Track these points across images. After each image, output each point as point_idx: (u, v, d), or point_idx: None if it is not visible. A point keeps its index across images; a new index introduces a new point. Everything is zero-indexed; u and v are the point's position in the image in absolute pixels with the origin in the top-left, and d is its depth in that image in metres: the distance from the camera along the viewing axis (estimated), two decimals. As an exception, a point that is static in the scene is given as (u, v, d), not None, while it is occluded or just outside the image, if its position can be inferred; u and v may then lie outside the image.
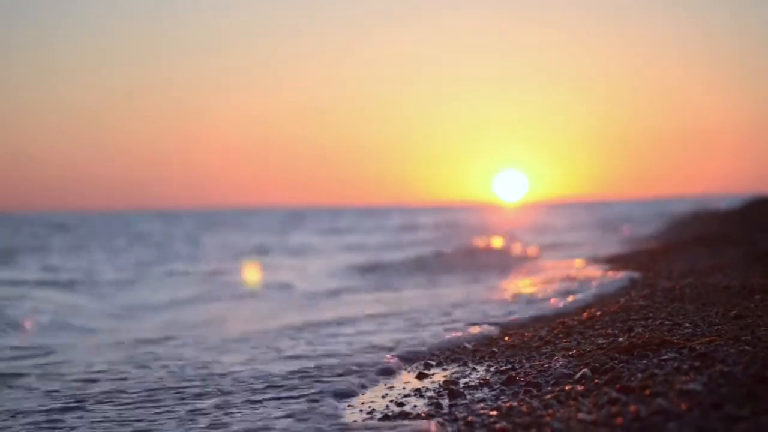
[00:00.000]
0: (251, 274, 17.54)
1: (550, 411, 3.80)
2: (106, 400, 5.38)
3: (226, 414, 4.80)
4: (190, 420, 4.74)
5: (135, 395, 5.47)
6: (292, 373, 5.85)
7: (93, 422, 4.87)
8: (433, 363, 6.03)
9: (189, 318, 10.80)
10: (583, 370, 4.56)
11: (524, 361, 5.46)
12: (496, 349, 6.14)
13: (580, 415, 3.57)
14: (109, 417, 4.96)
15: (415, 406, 4.61)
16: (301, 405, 4.90)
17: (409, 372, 5.86)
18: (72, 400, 5.44)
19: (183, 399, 5.28)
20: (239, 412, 4.82)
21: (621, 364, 4.56)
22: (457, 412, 4.28)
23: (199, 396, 5.32)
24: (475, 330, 7.17)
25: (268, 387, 5.47)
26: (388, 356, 6.25)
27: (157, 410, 5.04)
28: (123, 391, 5.61)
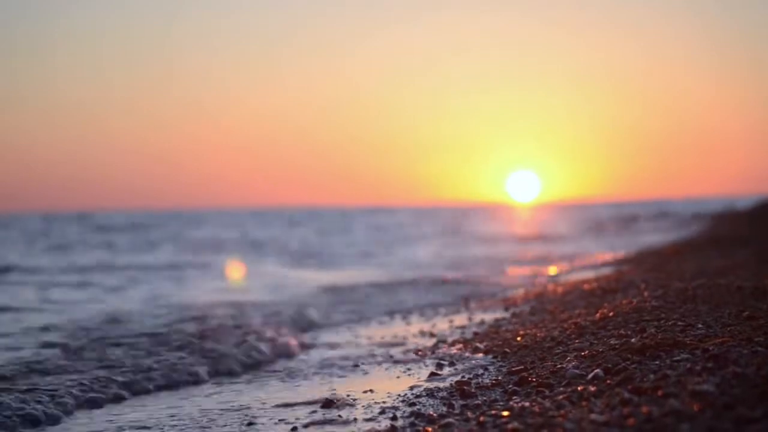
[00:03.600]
0: None
1: (563, 412, 3.80)
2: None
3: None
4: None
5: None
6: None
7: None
8: (446, 363, 6.04)
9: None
10: (596, 370, 4.56)
11: (536, 361, 5.46)
12: (508, 350, 6.14)
13: (592, 416, 3.57)
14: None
15: (427, 406, 4.63)
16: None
17: (421, 371, 5.87)
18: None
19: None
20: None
21: (633, 365, 4.56)
22: (469, 413, 4.28)
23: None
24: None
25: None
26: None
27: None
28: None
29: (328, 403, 4.99)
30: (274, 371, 6.57)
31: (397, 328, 8.88)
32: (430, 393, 5.00)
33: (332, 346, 7.84)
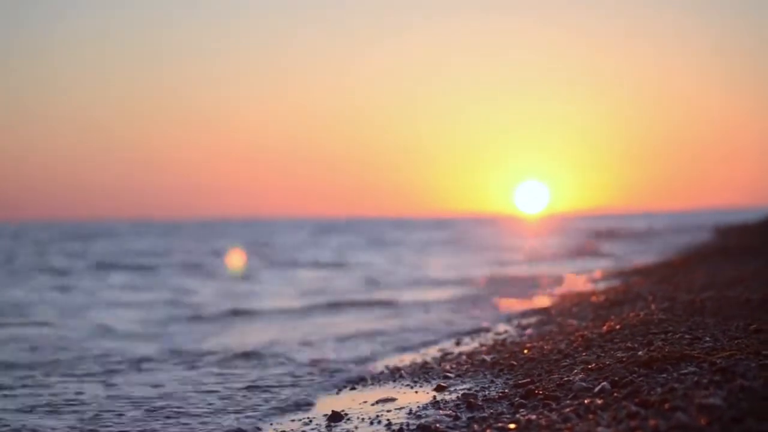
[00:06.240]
0: None
1: (569, 424, 3.79)
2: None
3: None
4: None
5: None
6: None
7: None
8: (452, 375, 6.03)
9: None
10: (603, 383, 4.55)
11: (543, 374, 5.45)
12: (515, 362, 6.13)
13: (599, 429, 3.56)
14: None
15: (434, 419, 4.61)
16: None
17: (428, 384, 5.86)
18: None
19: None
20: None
21: (640, 378, 4.55)
22: (475, 425, 4.27)
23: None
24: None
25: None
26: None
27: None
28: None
29: (335, 416, 4.99)
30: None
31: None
32: (437, 405, 4.99)
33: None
